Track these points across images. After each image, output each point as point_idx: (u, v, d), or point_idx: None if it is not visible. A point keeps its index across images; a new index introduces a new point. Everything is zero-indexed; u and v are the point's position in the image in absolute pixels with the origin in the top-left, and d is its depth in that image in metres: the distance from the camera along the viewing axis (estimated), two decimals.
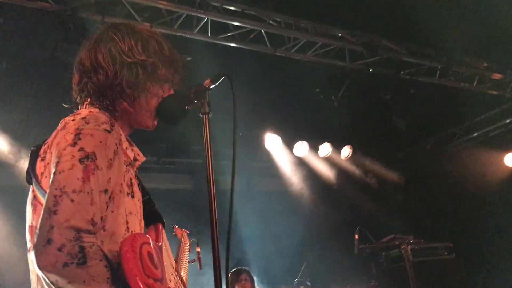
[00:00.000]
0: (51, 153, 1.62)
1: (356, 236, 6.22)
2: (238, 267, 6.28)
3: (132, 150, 1.88)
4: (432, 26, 5.85)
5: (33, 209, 1.69)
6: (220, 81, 2.01)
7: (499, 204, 7.88)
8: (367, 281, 7.35)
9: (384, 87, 6.71)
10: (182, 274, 2.19)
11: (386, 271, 7.04)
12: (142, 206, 1.89)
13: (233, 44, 5.71)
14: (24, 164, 5.76)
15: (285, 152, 8.29)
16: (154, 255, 1.67)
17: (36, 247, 1.41)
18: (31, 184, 1.72)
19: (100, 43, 1.83)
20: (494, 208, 7.83)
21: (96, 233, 1.48)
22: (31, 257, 1.44)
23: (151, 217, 2.02)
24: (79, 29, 4.82)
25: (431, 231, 7.67)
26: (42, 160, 1.68)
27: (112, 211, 1.62)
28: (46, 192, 1.59)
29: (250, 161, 8.58)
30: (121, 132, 1.81)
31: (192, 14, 5.19)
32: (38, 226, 1.44)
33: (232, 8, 5.35)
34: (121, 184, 1.69)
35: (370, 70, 6.48)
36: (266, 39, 5.79)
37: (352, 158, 8.67)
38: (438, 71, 6.84)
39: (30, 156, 1.74)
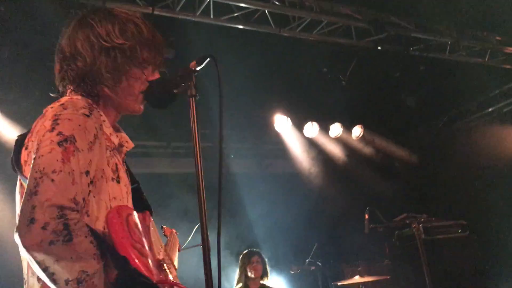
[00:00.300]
0: (32, 141, 1.63)
1: (366, 216, 6.18)
2: (250, 249, 6.30)
3: (117, 136, 1.87)
4: (441, 0, 5.72)
5: (20, 198, 1.70)
6: (205, 62, 1.98)
7: None
8: (380, 260, 7.33)
9: (393, 65, 6.59)
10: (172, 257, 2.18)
11: (399, 250, 7.01)
12: (130, 191, 1.89)
13: (237, 26, 5.63)
14: None
15: (295, 134, 8.25)
16: (140, 226, 1.66)
17: (19, 228, 1.40)
18: (16, 172, 1.72)
19: (78, 30, 1.81)
20: (508, 184, 7.71)
21: (79, 211, 1.47)
22: (16, 239, 1.43)
23: (139, 205, 2.02)
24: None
25: (444, 209, 7.56)
26: (26, 148, 1.68)
27: (94, 196, 1.61)
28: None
29: (260, 143, 8.56)
30: (105, 118, 1.80)
31: None
32: (20, 209, 1.45)
33: None
34: (103, 169, 1.68)
35: (378, 48, 6.36)
36: (270, 20, 5.70)
37: (363, 138, 8.59)
38: (448, 46, 6.68)
39: (15, 145, 1.74)
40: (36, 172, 1.46)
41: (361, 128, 8.53)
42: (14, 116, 5.85)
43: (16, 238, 1.41)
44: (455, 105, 8.46)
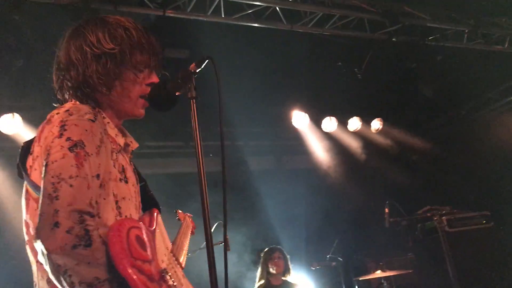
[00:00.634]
0: (40, 146, 1.66)
1: (387, 210, 6.13)
2: (271, 246, 6.32)
3: (122, 136, 1.92)
4: None
5: (26, 204, 1.74)
6: (204, 64, 1.99)
7: None
8: (403, 254, 7.26)
9: (409, 56, 6.49)
10: (180, 256, 2.21)
11: (422, 244, 6.93)
12: (138, 191, 1.92)
13: (248, 24, 5.63)
14: None
15: (313, 129, 8.21)
16: (144, 238, 1.68)
17: (41, 232, 1.44)
18: (22, 178, 1.76)
19: (72, 40, 1.86)
20: None
21: (95, 215, 1.52)
22: (36, 245, 1.47)
23: (147, 203, 2.05)
24: None
25: (467, 201, 7.44)
26: (30, 154, 1.72)
27: (104, 198, 1.66)
28: (36, 184, 1.65)
29: (279, 140, 8.55)
30: (108, 120, 1.86)
31: None
32: (39, 213, 1.48)
33: None
34: (110, 172, 1.72)
35: (393, 39, 6.27)
36: (281, 16, 5.68)
37: (382, 131, 8.49)
38: (466, 35, 6.54)
39: (21, 152, 1.78)
40: (53, 177, 1.50)
41: (380, 121, 8.44)
42: (34, 122, 5.97)
43: (37, 242, 1.45)
44: (475, 94, 8.29)
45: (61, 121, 1.63)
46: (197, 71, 1.99)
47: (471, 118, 8.64)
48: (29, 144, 1.77)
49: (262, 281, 6.05)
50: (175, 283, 1.79)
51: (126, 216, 1.76)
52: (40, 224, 1.45)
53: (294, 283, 6.06)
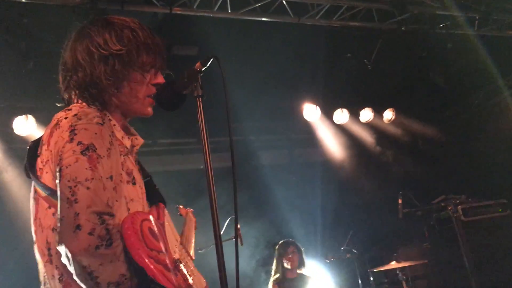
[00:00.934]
0: (49, 151, 1.69)
1: (400, 201, 6.12)
2: (285, 240, 6.32)
3: (128, 138, 1.93)
4: None
5: (35, 203, 1.77)
6: (209, 63, 2.00)
7: None
8: (418, 244, 7.22)
9: (419, 45, 6.42)
10: (190, 248, 2.24)
11: (437, 234, 6.89)
12: (144, 191, 1.94)
13: (255, 18, 5.62)
14: None
15: (325, 121, 8.19)
16: (156, 230, 1.72)
17: (64, 236, 1.48)
18: (30, 178, 1.79)
19: (78, 41, 1.87)
20: None
21: (113, 215, 1.56)
22: (61, 249, 1.51)
23: (153, 198, 2.06)
24: None
25: (483, 189, 7.36)
26: (39, 155, 1.75)
27: (116, 200, 1.68)
28: (47, 186, 1.68)
29: (291, 133, 8.54)
30: (115, 122, 1.87)
31: None
32: (59, 217, 1.52)
33: None
34: (120, 174, 1.74)
35: (402, 29, 6.21)
36: (288, 9, 5.66)
37: (395, 121, 8.43)
38: (477, 21, 6.45)
39: (28, 152, 1.81)
40: (69, 181, 1.53)
41: (393, 111, 8.37)
42: (47, 123, 6.04)
43: (61, 246, 1.49)
44: (488, 81, 8.17)
45: (71, 125, 1.65)
46: (203, 69, 2.00)
47: (484, 106, 8.52)
48: (36, 144, 1.80)
49: (278, 275, 6.06)
50: (188, 273, 1.83)
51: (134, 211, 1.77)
52: (62, 228, 1.49)
53: (309, 276, 6.07)
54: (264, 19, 5.64)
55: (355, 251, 6.52)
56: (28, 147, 1.82)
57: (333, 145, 8.46)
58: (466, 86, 7.97)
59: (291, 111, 7.85)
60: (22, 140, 6.08)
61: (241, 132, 7.61)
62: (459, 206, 6.48)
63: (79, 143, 1.60)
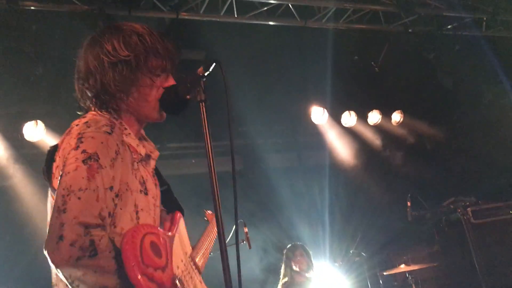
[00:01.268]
0: (59, 157, 1.72)
1: (409, 203, 6.08)
2: (293, 243, 6.30)
3: (143, 146, 1.95)
4: None
5: (50, 208, 1.80)
6: (212, 67, 2.00)
7: None
8: (428, 247, 7.18)
9: (426, 46, 6.40)
10: (198, 258, 2.22)
11: (447, 236, 6.84)
12: (158, 203, 1.94)
13: (262, 22, 5.64)
14: None
15: (333, 124, 8.17)
16: (159, 244, 1.72)
17: (48, 245, 1.50)
18: (47, 181, 1.82)
19: (89, 49, 1.91)
20: None
21: (105, 226, 1.57)
22: (45, 253, 1.53)
23: (170, 207, 2.08)
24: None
25: (493, 191, 7.31)
26: (55, 161, 1.78)
27: (121, 209, 1.70)
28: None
29: (298, 137, 8.52)
30: (129, 131, 1.89)
31: None
32: (49, 224, 1.55)
33: None
34: (127, 183, 1.76)
35: (409, 30, 6.20)
36: (294, 13, 5.67)
37: (403, 123, 8.38)
38: (484, 23, 6.42)
39: (47, 156, 1.83)
40: (64, 189, 1.56)
41: (401, 113, 8.34)
42: (56, 129, 6.09)
43: (45, 253, 1.51)
44: (496, 82, 8.11)
45: (79, 133, 1.69)
46: (205, 74, 2.01)
47: (493, 107, 8.46)
48: (54, 149, 1.82)
49: (286, 278, 6.04)
50: (191, 285, 1.81)
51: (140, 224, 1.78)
52: (48, 237, 1.51)
53: (318, 279, 6.05)
54: (270, 23, 5.66)
55: (364, 254, 6.48)
56: (47, 151, 1.84)
57: (341, 148, 8.43)
58: (474, 87, 7.93)
59: (299, 114, 7.84)
60: (31, 146, 6.12)
61: (249, 135, 7.61)
62: (468, 208, 6.43)
63: (83, 151, 1.63)
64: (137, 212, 1.76)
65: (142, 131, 2.05)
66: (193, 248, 2.22)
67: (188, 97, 1.99)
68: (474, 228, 6.37)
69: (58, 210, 1.52)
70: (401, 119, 8.35)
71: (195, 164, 7.49)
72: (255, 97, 6.16)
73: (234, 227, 1.98)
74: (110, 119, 1.80)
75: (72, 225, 1.48)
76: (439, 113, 8.44)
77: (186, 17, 5.27)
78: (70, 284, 1.51)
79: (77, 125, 1.74)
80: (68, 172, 1.59)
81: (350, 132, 8.34)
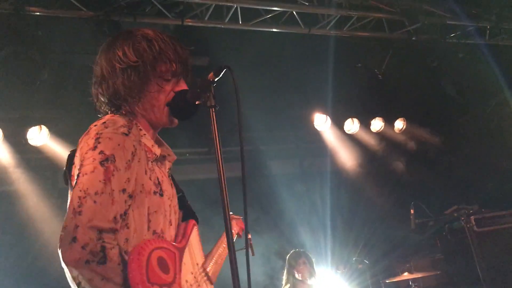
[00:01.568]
0: (77, 156, 1.74)
1: (412, 211, 6.07)
2: (296, 250, 6.27)
3: (159, 147, 1.97)
4: None
5: None
6: (222, 73, 2.01)
7: None
8: (431, 255, 7.15)
9: (429, 54, 6.42)
10: (210, 267, 2.19)
11: (450, 244, 6.82)
12: (174, 203, 1.95)
13: (266, 29, 5.66)
14: None
15: (335, 131, 8.17)
16: (167, 258, 1.72)
17: (62, 244, 1.52)
18: (67, 185, 1.84)
19: (103, 55, 1.95)
20: None
21: (117, 230, 1.59)
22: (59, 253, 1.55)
23: (184, 214, 2.08)
24: (114, 32, 4.96)
25: (496, 199, 7.29)
26: (74, 164, 1.79)
27: (133, 210, 1.71)
28: None
29: (301, 143, 8.53)
30: (145, 132, 1.91)
31: (221, 4, 5.19)
32: (63, 225, 1.55)
33: None
34: (142, 184, 1.76)
35: (413, 38, 6.21)
36: (299, 20, 5.69)
37: (406, 131, 8.39)
38: (488, 31, 6.44)
39: (67, 160, 1.86)
40: (80, 191, 1.58)
41: (403, 121, 8.35)
42: (61, 134, 6.10)
43: (59, 252, 1.53)
44: (499, 90, 8.12)
45: (97, 133, 1.71)
46: (216, 80, 2.01)
47: (496, 115, 8.46)
48: (73, 153, 1.84)
49: (288, 286, 6.03)
50: None
51: (155, 230, 1.79)
52: (62, 236, 1.53)
53: (320, 286, 6.03)
54: (274, 30, 5.67)
55: (366, 261, 6.46)
56: (67, 155, 1.87)
57: (343, 155, 8.43)
58: (477, 95, 7.94)
59: (302, 121, 7.85)
60: (35, 150, 6.14)
61: (251, 141, 7.62)
62: (472, 217, 6.41)
63: (101, 152, 1.65)
64: (149, 214, 1.77)
65: (158, 136, 2.07)
66: (206, 256, 2.20)
67: (197, 102, 2.00)
68: (477, 236, 6.35)
69: (74, 212, 1.54)
70: (404, 127, 8.36)
71: (199, 169, 7.50)
72: (258, 104, 6.17)
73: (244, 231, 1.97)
74: (128, 120, 1.82)
75: (86, 228, 1.51)
76: (442, 121, 8.45)
77: (191, 24, 5.28)
78: (77, 285, 1.52)
79: (95, 125, 1.76)
80: (86, 173, 1.61)
81: (352, 139, 8.35)
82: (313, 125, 7.82)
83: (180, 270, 1.80)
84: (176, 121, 2.03)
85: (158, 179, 1.86)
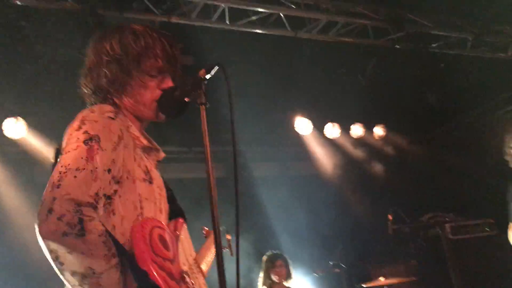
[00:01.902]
0: (64, 141, 1.71)
1: (390, 217, 6.12)
2: (273, 252, 6.28)
3: (144, 138, 1.96)
4: None
5: None
6: (214, 70, 1.99)
7: None
8: (406, 261, 7.23)
9: (412, 63, 6.51)
10: (203, 264, 2.20)
11: (425, 251, 6.91)
12: (163, 193, 1.93)
13: (253, 30, 5.66)
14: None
15: (316, 136, 8.22)
16: (167, 238, 1.71)
17: (39, 217, 1.48)
18: None
19: (92, 48, 1.95)
20: None
21: (97, 207, 1.54)
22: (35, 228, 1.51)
23: (173, 212, 2.05)
24: (100, 26, 4.89)
25: (472, 208, 7.41)
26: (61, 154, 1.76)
27: (120, 196, 1.69)
28: None
29: (282, 146, 8.55)
30: (131, 124, 1.89)
31: (209, 2, 5.18)
32: (42, 198, 1.51)
33: None
34: (129, 170, 1.74)
35: (397, 46, 6.29)
36: (286, 23, 5.70)
37: (385, 138, 8.49)
38: (469, 42, 6.56)
39: (55, 154, 1.83)
40: (62, 166, 1.54)
41: (383, 128, 8.45)
42: (41, 128, 6.00)
43: (35, 225, 1.49)
44: (479, 101, 8.28)
45: (83, 116, 1.71)
46: (207, 77, 1.99)
47: (476, 125, 8.62)
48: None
49: (264, 287, 6.04)
50: (195, 286, 1.80)
51: (146, 217, 1.77)
52: (39, 210, 1.49)
53: None
54: (261, 31, 5.68)
55: (343, 265, 6.50)
56: (55, 149, 1.84)
57: (324, 159, 8.49)
58: (458, 105, 8.07)
59: (283, 124, 7.87)
60: (12, 143, 6.02)
61: (231, 142, 7.58)
62: (447, 224, 6.51)
63: (85, 132, 1.63)
64: (141, 201, 1.75)
65: (145, 133, 2.04)
66: (197, 253, 2.20)
67: (187, 99, 1.98)
68: (452, 244, 6.44)
69: (53, 185, 1.50)
70: (384, 134, 8.45)
71: (184, 168, 7.46)
72: (239, 105, 6.15)
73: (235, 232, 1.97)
74: (116, 108, 1.83)
75: (63, 200, 1.47)
76: (422, 129, 8.57)
77: (178, 22, 5.25)
78: (54, 260, 1.47)
79: (82, 112, 1.76)
80: (69, 151, 1.59)
81: (333, 144, 8.41)
82: (294, 128, 7.84)
83: (178, 254, 1.80)
84: (163, 116, 2.01)
85: (147, 167, 1.84)
